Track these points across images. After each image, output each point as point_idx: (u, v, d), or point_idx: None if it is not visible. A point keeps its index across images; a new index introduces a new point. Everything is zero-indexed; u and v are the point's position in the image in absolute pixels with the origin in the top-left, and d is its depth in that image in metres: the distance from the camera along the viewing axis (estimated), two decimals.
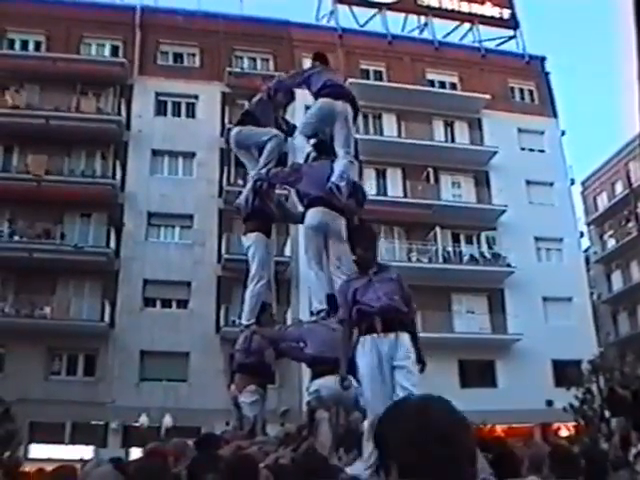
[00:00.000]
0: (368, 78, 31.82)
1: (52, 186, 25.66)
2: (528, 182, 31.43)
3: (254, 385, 7.38)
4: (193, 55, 30.92)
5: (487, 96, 31.76)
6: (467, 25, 34.91)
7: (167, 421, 22.47)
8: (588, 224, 40.95)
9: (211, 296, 26.27)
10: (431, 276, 26.32)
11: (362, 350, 5.08)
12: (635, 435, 10.97)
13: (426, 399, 1.46)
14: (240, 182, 22.25)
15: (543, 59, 35.09)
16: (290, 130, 8.34)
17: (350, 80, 24.85)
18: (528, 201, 31.08)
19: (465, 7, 34.56)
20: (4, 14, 27.61)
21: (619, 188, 39.34)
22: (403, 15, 34.87)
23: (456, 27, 35.15)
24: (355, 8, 33.74)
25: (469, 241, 30.47)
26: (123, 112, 28.31)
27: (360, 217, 7.51)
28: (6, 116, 26.34)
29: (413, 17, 34.96)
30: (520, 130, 32.50)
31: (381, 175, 30.51)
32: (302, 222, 7.45)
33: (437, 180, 30.79)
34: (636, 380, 20.67)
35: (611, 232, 39.83)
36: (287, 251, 25.49)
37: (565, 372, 25.25)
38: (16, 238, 25.79)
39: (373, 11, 33.81)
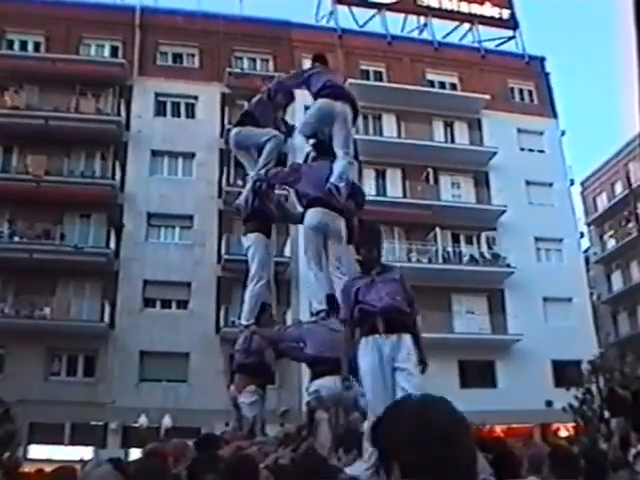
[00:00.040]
0: (368, 78, 31.84)
1: (52, 187, 25.67)
2: (528, 182, 31.44)
3: (254, 385, 7.38)
4: (193, 56, 30.93)
5: (487, 96, 31.78)
6: (467, 25, 34.92)
7: (167, 422, 22.47)
8: (588, 224, 40.96)
9: (211, 297, 26.27)
10: (431, 276, 26.30)
11: (364, 350, 5.07)
12: (635, 436, 10.96)
13: (426, 399, 1.46)
14: (240, 183, 22.23)
15: (543, 59, 35.11)
16: (289, 131, 8.35)
17: (350, 81, 24.85)
18: (528, 201, 31.09)
19: (465, 7, 34.57)
20: (3, 14, 27.61)
21: (619, 188, 39.35)
22: (403, 15, 34.87)
23: (456, 27, 35.16)
24: (355, 9, 33.74)
25: (469, 241, 30.47)
26: (123, 113, 28.31)
27: (360, 218, 7.52)
28: (5, 117, 26.34)
29: (413, 17, 34.96)
30: (520, 130, 32.51)
31: (381, 175, 30.52)
32: (302, 222, 7.45)
33: (437, 180, 30.80)
34: (636, 380, 20.65)
35: (611, 232, 39.83)
36: (287, 251, 25.49)
37: (565, 372, 25.23)
38: (16, 239, 25.80)
39: (373, 11, 33.82)
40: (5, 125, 26.22)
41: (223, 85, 29.65)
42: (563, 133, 33.47)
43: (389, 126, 31.48)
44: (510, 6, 35.25)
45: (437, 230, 29.28)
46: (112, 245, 26.14)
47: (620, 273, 38.22)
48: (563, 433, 25.19)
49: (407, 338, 5.08)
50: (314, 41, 28.97)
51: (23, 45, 29.57)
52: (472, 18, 34.59)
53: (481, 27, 34.74)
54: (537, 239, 30.60)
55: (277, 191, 8.47)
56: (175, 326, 25.39)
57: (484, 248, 30.20)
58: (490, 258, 29.82)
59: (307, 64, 9.76)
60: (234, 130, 8.46)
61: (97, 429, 23.87)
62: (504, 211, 29.79)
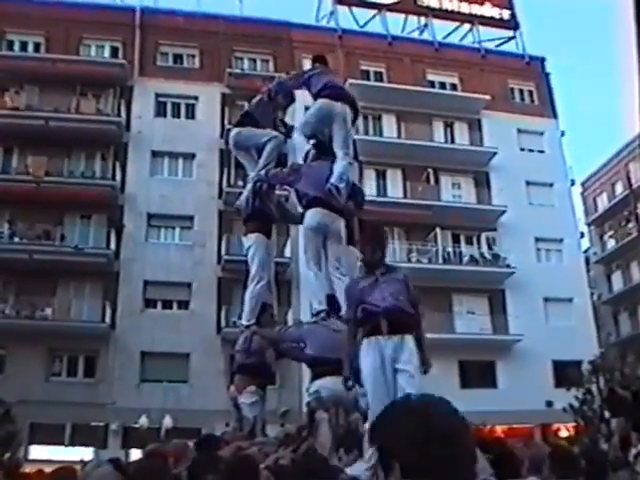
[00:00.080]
0: (368, 79, 31.84)
1: (52, 187, 25.67)
2: (528, 183, 31.43)
3: (254, 386, 7.38)
4: (193, 56, 30.92)
5: (487, 97, 31.77)
6: (467, 26, 34.92)
7: (167, 422, 22.48)
8: (588, 225, 40.95)
9: (211, 297, 26.27)
10: (431, 277, 26.26)
11: (366, 351, 5.06)
12: (635, 436, 10.96)
13: (426, 399, 1.47)
14: (240, 183, 22.25)
15: (543, 60, 35.11)
16: (288, 132, 8.35)
17: (350, 81, 24.87)
18: (528, 202, 31.08)
19: (465, 8, 34.57)
20: (3, 15, 27.61)
21: (619, 189, 39.34)
22: (403, 16, 34.86)
23: (456, 28, 35.16)
24: (355, 9, 33.73)
25: (469, 242, 30.46)
26: (123, 113, 28.31)
27: (360, 218, 7.53)
28: (6, 117, 26.32)
29: (413, 18, 34.95)
30: (520, 131, 32.51)
31: (381, 176, 30.52)
32: (301, 223, 7.45)
33: (437, 181, 30.80)
34: (636, 381, 20.65)
35: (611, 233, 39.81)
36: (287, 252, 25.47)
37: (565, 373, 25.20)
38: (16, 240, 25.79)
39: (373, 12, 33.81)
40: (5, 126, 26.20)
41: (223, 85, 29.65)
42: (563, 133, 33.49)
43: (389, 126, 31.47)
44: (510, 6, 35.25)
45: (437, 230, 29.28)
46: (112, 246, 26.13)
47: (620, 273, 38.22)
48: (563, 433, 25.20)
49: (409, 339, 5.06)
50: (314, 41, 28.98)
51: (23, 46, 29.57)
52: (472, 18, 34.59)
53: (481, 27, 34.74)
54: (537, 239, 30.59)
55: (277, 191, 8.47)
56: (176, 327, 25.38)
57: (484, 248, 30.19)
58: (490, 258, 29.81)
59: (307, 64, 9.78)
60: (234, 130, 8.46)
61: (98, 430, 23.86)
62: (504, 211, 29.79)
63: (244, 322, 7.81)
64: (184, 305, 26.59)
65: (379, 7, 33.56)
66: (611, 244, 39.66)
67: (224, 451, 5.19)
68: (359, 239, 6.23)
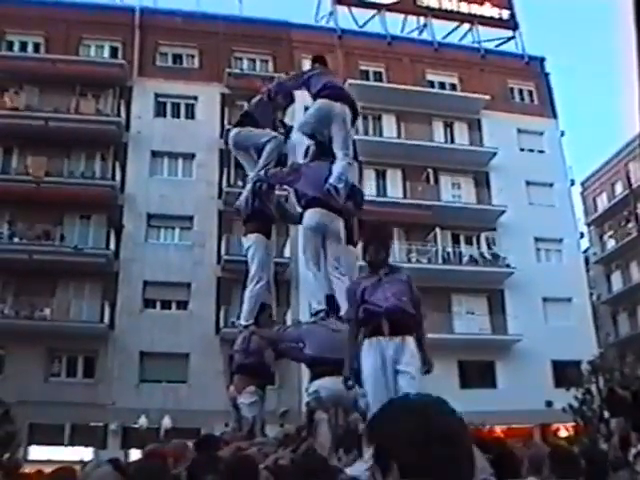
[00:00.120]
0: (367, 79, 31.83)
1: (52, 188, 25.68)
2: (528, 183, 31.44)
3: (253, 386, 7.37)
4: (192, 56, 30.92)
5: (487, 97, 31.77)
6: (466, 26, 34.92)
7: (166, 422, 22.47)
8: (588, 225, 40.96)
9: (211, 297, 26.27)
10: (431, 277, 26.22)
11: (367, 352, 5.06)
12: (635, 436, 10.95)
13: (425, 399, 1.46)
14: (240, 183, 22.23)
15: (543, 60, 35.12)
16: (287, 132, 8.35)
17: (349, 81, 24.89)
18: (528, 202, 31.09)
19: (464, 8, 34.58)
20: (3, 15, 27.59)
21: (619, 189, 39.34)
22: (402, 16, 34.86)
23: (455, 28, 35.17)
24: (354, 9, 33.72)
25: (469, 242, 30.45)
26: (122, 113, 28.31)
27: (359, 218, 7.53)
28: (5, 118, 26.32)
29: (412, 18, 34.95)
30: (520, 131, 32.52)
31: (381, 176, 30.51)
32: (301, 223, 7.45)
33: (437, 181, 30.80)
34: (636, 381, 20.65)
35: (611, 233, 39.82)
36: (287, 252, 25.47)
37: (565, 373, 25.22)
38: (16, 240, 25.80)
39: (372, 12, 33.81)
40: (5, 126, 26.20)
41: (223, 86, 29.65)
42: (563, 133, 33.50)
43: (389, 126, 31.47)
44: (510, 6, 35.26)
45: (437, 230, 29.29)
46: (112, 246, 26.13)
47: (620, 273, 38.22)
48: (563, 433, 25.20)
49: (411, 341, 5.06)
50: (314, 41, 29.00)
51: (23, 46, 29.56)
52: (472, 18, 34.60)
53: (481, 27, 34.74)
54: (537, 239, 30.60)
55: (277, 191, 8.47)
56: (175, 327, 25.38)
57: (484, 248, 30.18)
58: (490, 258, 29.81)
59: (307, 65, 9.78)
60: (233, 130, 8.47)
61: (97, 430, 23.86)
62: (504, 211, 29.79)
63: (243, 322, 7.80)
64: (183, 305, 26.59)
65: (378, 7, 33.57)
66: (611, 244, 39.67)
67: (223, 451, 5.19)
68: (363, 239, 6.21)
